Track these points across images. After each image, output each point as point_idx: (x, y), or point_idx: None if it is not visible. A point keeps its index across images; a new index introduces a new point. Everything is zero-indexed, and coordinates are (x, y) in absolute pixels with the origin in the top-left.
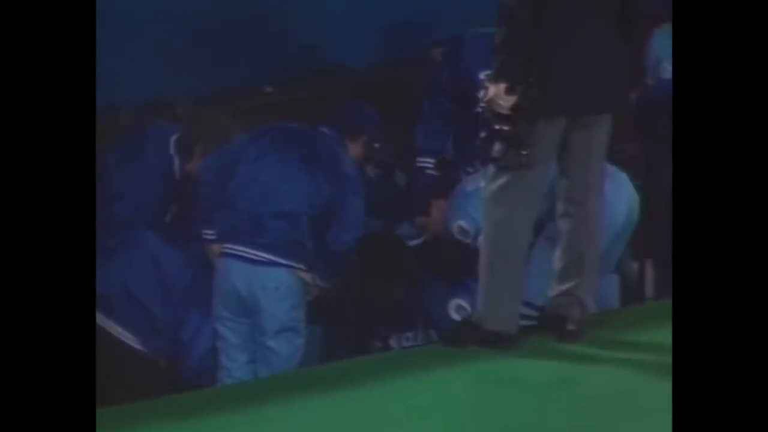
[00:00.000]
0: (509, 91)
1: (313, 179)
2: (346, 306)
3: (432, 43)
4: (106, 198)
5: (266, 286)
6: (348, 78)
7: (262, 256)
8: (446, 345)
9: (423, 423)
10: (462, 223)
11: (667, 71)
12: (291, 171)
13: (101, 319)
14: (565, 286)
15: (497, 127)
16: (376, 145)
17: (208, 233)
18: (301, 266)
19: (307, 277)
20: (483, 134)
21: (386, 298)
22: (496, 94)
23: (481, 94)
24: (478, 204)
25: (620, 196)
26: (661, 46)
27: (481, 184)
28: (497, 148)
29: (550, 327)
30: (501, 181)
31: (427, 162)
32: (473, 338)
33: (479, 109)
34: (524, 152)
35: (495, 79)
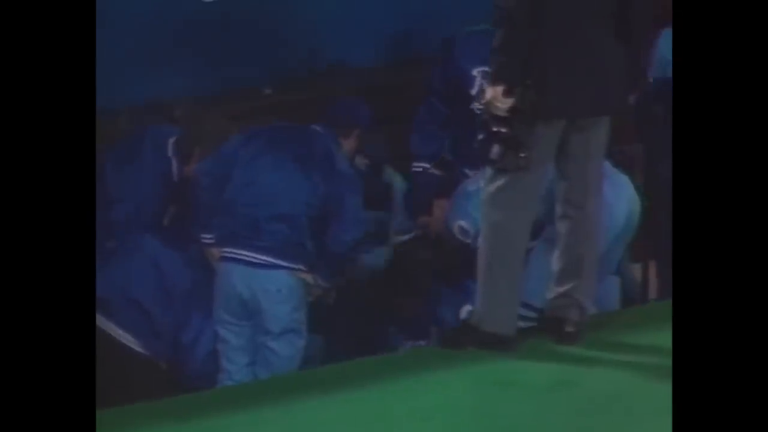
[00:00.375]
0: (507, 93)
1: (309, 179)
2: (357, 316)
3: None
4: (104, 200)
5: (267, 288)
6: (348, 79)
7: (262, 259)
8: (445, 347)
9: (422, 424)
10: (463, 223)
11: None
12: (287, 172)
13: (102, 322)
14: (563, 288)
15: (495, 129)
16: (367, 138)
17: (207, 237)
18: (302, 267)
19: (308, 277)
20: (481, 136)
21: (400, 309)
22: (494, 96)
23: (475, 90)
24: (479, 204)
25: (620, 199)
26: (666, 47)
27: (483, 184)
28: (495, 150)
29: (549, 329)
30: (499, 183)
31: (424, 166)
32: (472, 340)
33: (474, 107)
34: (522, 154)
35: (493, 81)
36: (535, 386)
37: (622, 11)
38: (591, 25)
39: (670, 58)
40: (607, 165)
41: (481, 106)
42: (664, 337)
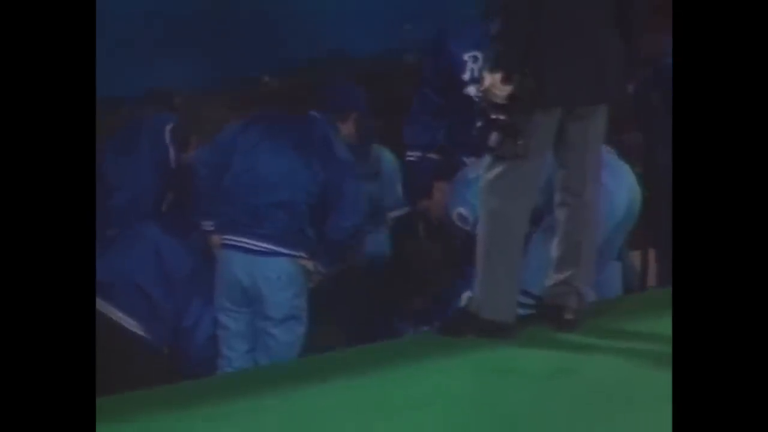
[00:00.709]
0: (506, 80)
1: (307, 166)
2: (359, 303)
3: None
4: (104, 188)
5: (268, 275)
6: (349, 67)
7: (262, 246)
8: (444, 334)
9: (421, 412)
10: (462, 210)
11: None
12: (285, 159)
13: (105, 308)
14: (562, 276)
15: (493, 116)
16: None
17: (208, 224)
18: (302, 254)
19: (308, 264)
20: (479, 124)
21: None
22: (493, 83)
23: (467, 76)
24: (478, 192)
25: (621, 187)
26: None
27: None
28: (493, 137)
29: (548, 316)
30: (497, 170)
31: (417, 155)
32: (471, 327)
33: (468, 92)
34: (520, 142)
35: (491, 69)
36: (535, 374)
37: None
38: (590, 14)
39: None
40: (608, 154)
41: (474, 90)
42: (663, 325)
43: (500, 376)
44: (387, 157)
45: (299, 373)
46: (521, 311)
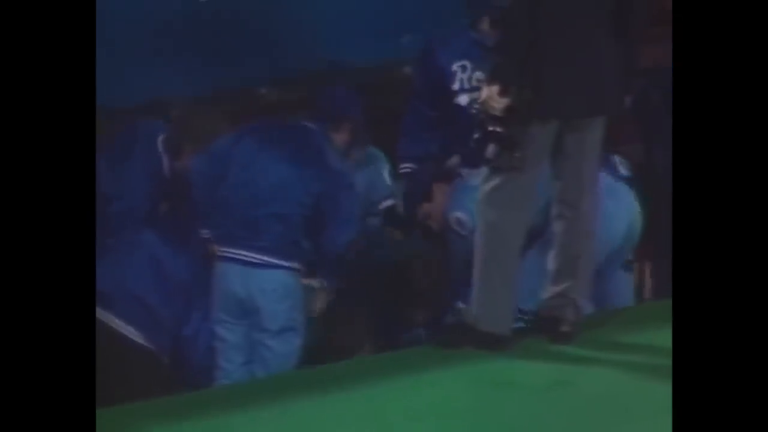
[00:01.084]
0: (503, 93)
1: (301, 178)
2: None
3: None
4: (100, 197)
5: (264, 288)
6: (345, 77)
7: (258, 258)
8: (441, 346)
9: (418, 424)
10: (460, 214)
11: None
12: (280, 171)
13: (104, 317)
14: (559, 288)
15: (491, 128)
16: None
17: (205, 233)
18: (298, 266)
19: (314, 282)
20: (476, 136)
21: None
22: (490, 95)
23: (456, 86)
24: (475, 202)
25: (620, 209)
26: None
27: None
28: (491, 149)
29: (545, 328)
30: (494, 182)
31: (412, 167)
32: (468, 339)
33: (458, 102)
34: (517, 154)
35: (489, 80)
36: (531, 386)
37: (618, 11)
38: (587, 25)
39: None
40: (606, 176)
41: (466, 99)
42: (660, 337)
43: (497, 388)
44: (371, 150)
45: (295, 385)
46: (518, 324)
